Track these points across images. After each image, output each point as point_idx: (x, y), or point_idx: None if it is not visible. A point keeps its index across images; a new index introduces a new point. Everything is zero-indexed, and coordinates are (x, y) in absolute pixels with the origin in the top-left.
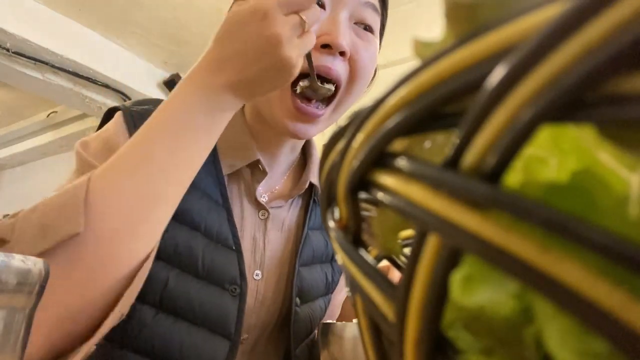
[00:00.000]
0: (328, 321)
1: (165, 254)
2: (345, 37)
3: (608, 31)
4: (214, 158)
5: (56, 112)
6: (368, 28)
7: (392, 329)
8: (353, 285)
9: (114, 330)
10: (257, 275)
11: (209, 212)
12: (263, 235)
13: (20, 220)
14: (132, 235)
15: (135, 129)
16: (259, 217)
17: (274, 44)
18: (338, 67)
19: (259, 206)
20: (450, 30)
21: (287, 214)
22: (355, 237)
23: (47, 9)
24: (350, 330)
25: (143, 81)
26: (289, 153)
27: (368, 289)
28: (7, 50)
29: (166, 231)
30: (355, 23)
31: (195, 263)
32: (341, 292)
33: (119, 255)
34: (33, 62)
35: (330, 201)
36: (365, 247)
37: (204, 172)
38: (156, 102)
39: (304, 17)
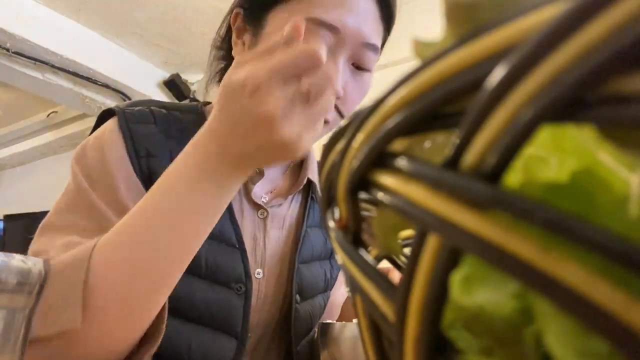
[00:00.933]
0: (327, 321)
1: None
2: (341, 82)
3: (608, 31)
4: None
5: (56, 112)
6: (364, 69)
7: (392, 329)
8: (353, 285)
9: None
10: (258, 274)
11: None
12: (263, 234)
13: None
14: (134, 319)
15: (129, 133)
16: (258, 216)
17: (267, 123)
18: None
19: (257, 205)
20: (450, 30)
21: (287, 211)
22: (355, 237)
23: (47, 9)
24: (350, 330)
25: (143, 81)
26: None
27: (368, 289)
28: (7, 50)
29: None
30: (353, 63)
31: (198, 263)
32: (340, 289)
33: (120, 340)
34: (33, 62)
35: (330, 201)
36: (365, 247)
37: None
38: (152, 103)
39: (306, 84)
